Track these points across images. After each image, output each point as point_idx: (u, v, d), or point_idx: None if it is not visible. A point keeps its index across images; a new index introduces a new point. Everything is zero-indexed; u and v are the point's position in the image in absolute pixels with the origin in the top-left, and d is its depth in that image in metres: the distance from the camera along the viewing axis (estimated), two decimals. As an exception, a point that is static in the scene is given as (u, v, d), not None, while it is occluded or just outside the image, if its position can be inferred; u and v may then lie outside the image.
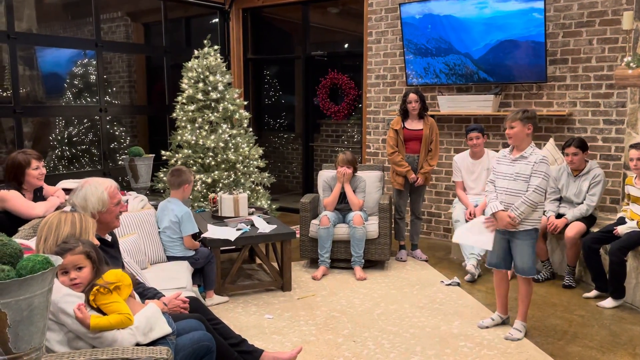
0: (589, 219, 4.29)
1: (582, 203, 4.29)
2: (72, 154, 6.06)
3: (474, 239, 3.42)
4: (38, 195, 3.58)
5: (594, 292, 4.03)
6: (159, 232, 3.86)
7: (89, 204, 2.52)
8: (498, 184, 3.34)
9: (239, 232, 4.09)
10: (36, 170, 3.46)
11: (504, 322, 3.54)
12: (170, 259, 3.79)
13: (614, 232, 3.89)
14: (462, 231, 3.55)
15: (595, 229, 4.21)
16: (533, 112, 3.28)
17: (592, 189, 4.26)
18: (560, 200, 4.48)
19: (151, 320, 2.12)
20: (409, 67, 5.63)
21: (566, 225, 4.27)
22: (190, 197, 4.99)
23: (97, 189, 2.56)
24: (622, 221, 3.97)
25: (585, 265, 4.18)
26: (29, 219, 3.27)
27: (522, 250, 3.27)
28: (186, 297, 2.66)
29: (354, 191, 4.70)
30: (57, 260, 1.62)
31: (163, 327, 2.16)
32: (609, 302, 3.85)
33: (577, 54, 4.87)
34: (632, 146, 3.89)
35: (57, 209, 3.40)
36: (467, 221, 4.67)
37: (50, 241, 2.13)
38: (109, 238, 2.64)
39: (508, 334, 3.37)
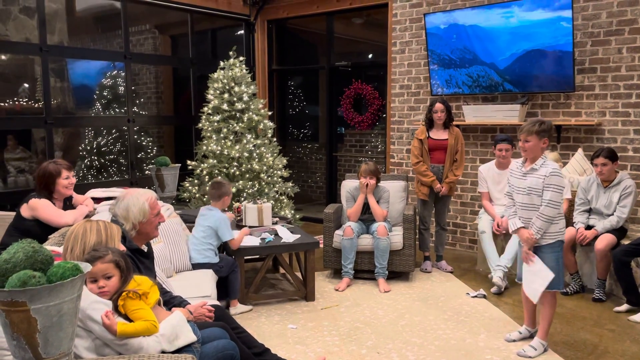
0: (619, 231, 4.19)
1: (612, 215, 4.20)
2: (100, 163, 6.19)
3: (541, 283, 3.17)
4: (67, 204, 3.66)
5: (625, 306, 3.92)
6: (193, 235, 3.94)
7: (130, 215, 2.60)
8: (515, 198, 3.29)
9: (264, 242, 4.12)
10: (66, 180, 3.54)
11: (532, 336, 3.45)
12: (194, 266, 3.83)
13: None
14: (529, 290, 3.26)
15: (626, 241, 4.10)
16: (549, 124, 3.18)
17: (623, 200, 4.16)
18: (589, 211, 4.38)
19: (176, 328, 2.14)
20: (433, 77, 5.61)
21: (596, 237, 4.17)
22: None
23: (138, 199, 2.64)
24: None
25: (615, 278, 4.08)
26: (58, 227, 3.35)
27: (547, 264, 3.17)
28: (211, 305, 2.68)
29: (377, 202, 4.68)
30: (87, 267, 1.65)
31: (188, 335, 2.17)
32: (641, 317, 3.74)
33: (606, 63, 4.79)
34: None
35: (86, 217, 3.47)
36: (493, 232, 4.63)
37: (77, 250, 2.16)
38: (145, 249, 2.69)
39: (521, 350, 3.27)
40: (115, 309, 2.02)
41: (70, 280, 1.54)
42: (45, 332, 1.51)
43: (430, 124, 4.87)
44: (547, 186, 3.10)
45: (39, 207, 3.38)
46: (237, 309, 3.93)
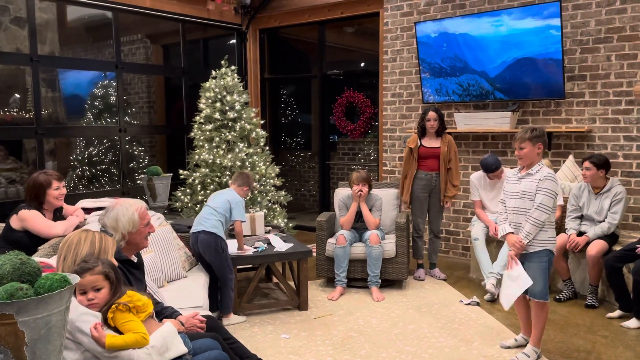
0: (611, 237, 4.21)
1: (603, 221, 4.21)
2: (92, 173, 6.15)
3: (516, 289, 3.18)
4: (58, 215, 3.63)
5: (617, 312, 3.93)
6: (205, 206, 4.01)
7: (119, 225, 2.57)
8: (507, 204, 3.29)
9: (257, 251, 4.10)
10: (57, 191, 3.51)
11: (528, 344, 3.45)
12: (199, 235, 3.83)
13: (636, 250, 3.81)
14: (505, 295, 3.27)
15: (617, 247, 4.12)
16: (542, 130, 3.18)
17: (614, 206, 4.18)
18: (581, 218, 4.40)
19: (167, 340, 2.12)
20: (424, 85, 5.64)
21: (588, 243, 4.19)
22: None
23: (128, 210, 2.61)
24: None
25: (607, 284, 4.09)
26: (48, 238, 3.32)
27: (533, 274, 3.15)
28: (203, 316, 2.66)
29: (370, 210, 4.68)
30: (75, 279, 1.63)
31: (179, 347, 2.15)
32: (633, 323, 3.75)
33: (596, 70, 4.83)
34: None
35: (77, 228, 3.44)
36: (486, 239, 4.63)
37: (69, 260, 2.15)
38: (135, 259, 2.66)
39: (514, 357, 3.26)
40: (105, 321, 2.00)
41: (58, 292, 1.52)
42: (32, 345, 1.49)
43: (422, 131, 4.88)
44: (539, 189, 3.10)
45: (28, 218, 3.35)
46: (230, 320, 3.90)
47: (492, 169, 4.62)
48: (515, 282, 3.18)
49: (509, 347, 3.44)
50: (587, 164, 4.20)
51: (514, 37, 4.98)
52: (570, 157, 4.88)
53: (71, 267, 2.11)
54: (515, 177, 3.27)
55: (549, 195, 3.09)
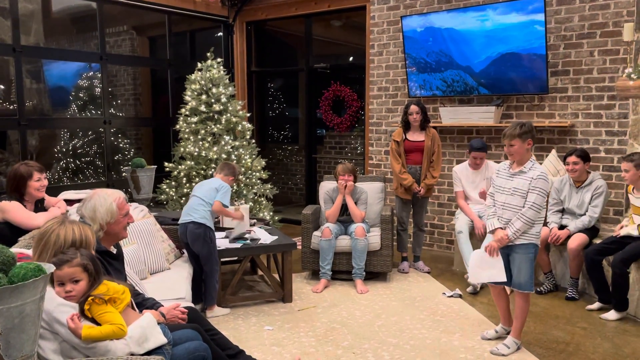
0: (591, 231, 4.26)
1: (584, 215, 4.27)
2: (76, 165, 6.11)
3: (486, 274, 3.30)
4: (39, 207, 3.60)
5: (597, 304, 3.99)
6: (192, 196, 3.98)
7: (97, 215, 2.55)
8: (497, 198, 3.31)
9: (241, 242, 4.10)
10: (38, 182, 3.48)
11: (508, 334, 3.48)
12: (188, 225, 3.84)
13: (614, 233, 3.91)
14: (473, 269, 3.38)
15: (597, 241, 4.18)
16: (530, 125, 3.20)
17: (595, 200, 4.24)
18: (562, 211, 4.45)
19: (146, 330, 2.12)
20: (411, 79, 5.66)
21: (569, 236, 4.24)
22: None
23: (105, 200, 2.59)
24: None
25: (588, 277, 4.15)
26: (29, 230, 3.29)
27: (519, 265, 3.21)
28: (184, 307, 2.66)
29: (355, 203, 4.70)
30: (50, 268, 1.63)
31: (158, 337, 2.16)
32: (612, 315, 3.81)
33: (579, 66, 4.87)
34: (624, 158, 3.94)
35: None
36: (470, 232, 4.67)
37: (49, 252, 2.12)
38: (114, 250, 2.65)
39: (495, 348, 3.31)
40: (82, 312, 1.99)
41: (32, 281, 1.52)
42: (6, 334, 1.49)
43: (406, 125, 4.91)
44: (532, 189, 3.13)
45: (9, 210, 3.33)
46: (214, 312, 3.91)
47: (477, 148, 4.66)
48: (494, 267, 3.25)
49: (489, 339, 3.48)
50: (574, 158, 4.24)
51: (499, 32, 5.01)
52: (553, 151, 4.93)
53: (50, 257, 2.10)
54: (507, 173, 3.27)
55: (542, 195, 3.13)
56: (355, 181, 4.72)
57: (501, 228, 3.23)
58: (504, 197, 3.25)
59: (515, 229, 3.15)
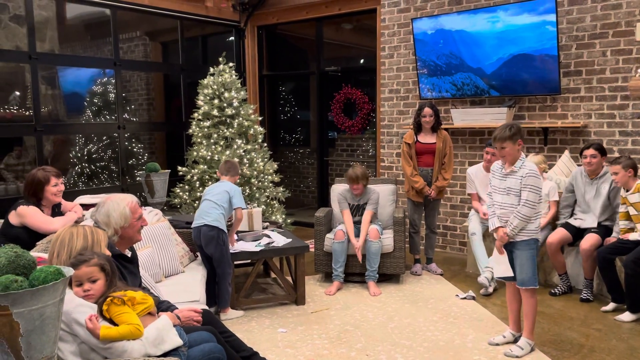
0: (604, 231, 4.23)
1: (599, 209, 4.23)
2: (91, 170, 6.19)
3: (498, 270, 3.40)
4: (56, 211, 3.67)
5: (611, 305, 3.97)
6: (204, 200, 4.01)
7: (111, 220, 2.60)
8: (494, 198, 3.37)
9: (259, 246, 4.15)
10: (55, 187, 3.54)
11: (516, 340, 3.44)
12: (201, 229, 3.86)
13: (621, 236, 3.95)
14: (493, 265, 3.49)
15: (611, 240, 4.14)
16: (518, 125, 3.25)
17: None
18: (573, 207, 4.43)
19: (162, 332, 2.15)
20: (422, 81, 5.66)
21: (580, 237, 4.24)
22: None
23: (119, 204, 2.64)
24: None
25: (601, 276, 4.12)
26: (47, 234, 3.35)
27: (520, 261, 3.26)
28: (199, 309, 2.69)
29: (365, 203, 4.69)
30: (69, 272, 1.67)
31: (174, 339, 2.19)
32: (627, 316, 3.78)
33: (591, 66, 4.85)
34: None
35: (75, 223, 3.47)
36: (483, 234, 4.66)
37: (63, 256, 2.18)
38: (128, 254, 2.70)
39: (508, 350, 3.31)
40: (101, 313, 2.04)
41: (52, 284, 1.55)
42: (27, 335, 1.53)
43: (418, 127, 4.91)
44: (524, 187, 3.19)
45: (27, 214, 3.39)
46: (228, 315, 3.94)
47: (489, 143, 4.65)
48: (500, 265, 3.36)
49: (497, 345, 3.45)
50: (592, 151, 4.19)
51: (510, 33, 5.00)
52: (566, 152, 4.91)
53: (67, 262, 2.15)
54: (500, 173, 3.33)
55: (534, 192, 3.18)
56: (366, 184, 4.73)
57: (501, 227, 3.29)
58: (500, 197, 3.32)
59: (513, 226, 3.22)
